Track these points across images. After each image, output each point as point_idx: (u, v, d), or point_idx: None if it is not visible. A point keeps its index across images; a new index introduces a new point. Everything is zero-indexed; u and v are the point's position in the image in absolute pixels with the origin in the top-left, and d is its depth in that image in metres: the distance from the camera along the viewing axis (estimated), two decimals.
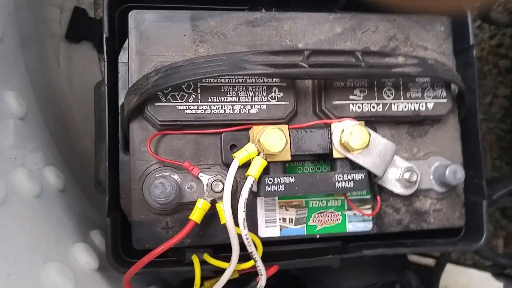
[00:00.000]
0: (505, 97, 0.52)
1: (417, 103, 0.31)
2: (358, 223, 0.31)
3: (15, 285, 0.24)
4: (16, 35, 0.36)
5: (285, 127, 0.27)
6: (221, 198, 0.27)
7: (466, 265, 0.46)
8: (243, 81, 0.29)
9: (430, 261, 0.44)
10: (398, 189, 0.30)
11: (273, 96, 0.29)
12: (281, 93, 0.29)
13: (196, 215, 0.27)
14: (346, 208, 0.31)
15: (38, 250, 0.28)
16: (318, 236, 0.31)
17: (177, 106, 0.28)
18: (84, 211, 0.38)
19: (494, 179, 0.44)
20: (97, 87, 0.34)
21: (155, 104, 0.28)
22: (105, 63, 0.29)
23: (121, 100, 0.30)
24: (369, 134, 0.27)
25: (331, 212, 0.31)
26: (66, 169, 0.38)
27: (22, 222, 0.28)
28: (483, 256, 0.41)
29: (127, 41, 0.29)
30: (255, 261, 0.27)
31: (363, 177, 0.28)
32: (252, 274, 0.29)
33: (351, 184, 0.28)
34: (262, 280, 0.28)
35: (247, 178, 0.26)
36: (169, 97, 0.28)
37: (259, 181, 0.27)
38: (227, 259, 0.27)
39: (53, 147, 0.38)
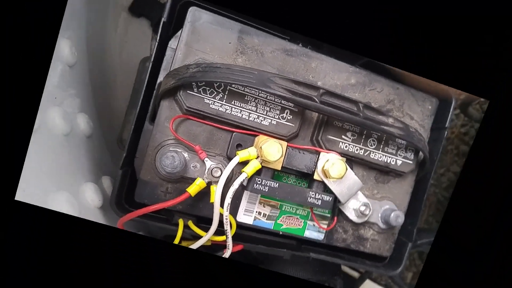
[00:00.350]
0: (454, 173, 0.53)
1: (390, 157, 0.31)
2: (314, 232, 0.31)
3: (25, 200, 0.22)
4: None
5: (284, 144, 0.27)
6: (216, 182, 0.26)
7: (380, 285, 0.48)
8: (265, 97, 0.28)
9: (355, 274, 0.44)
10: (352, 216, 0.31)
11: (284, 116, 0.28)
12: (291, 116, 0.28)
13: (193, 190, 0.26)
14: (309, 219, 0.31)
15: (53, 179, 0.26)
16: (281, 233, 0.31)
17: (205, 99, 0.27)
18: (102, 159, 0.35)
19: (423, 229, 0.45)
20: (143, 61, 0.32)
21: (187, 91, 0.26)
22: (156, 43, 0.28)
23: (159, 78, 0.29)
24: (346, 169, 0.27)
25: (297, 218, 0.31)
26: (96, 120, 0.35)
27: (46, 150, 0.26)
28: (394, 281, 0.42)
29: (180, 31, 0.28)
30: (227, 237, 0.27)
31: (330, 199, 0.28)
32: (221, 246, 0.28)
33: (319, 202, 0.28)
34: (227, 253, 0.28)
35: (241, 173, 0.26)
36: (200, 89, 0.27)
37: (250, 179, 0.27)
38: (206, 230, 0.27)
39: (91, 98, 0.35)
